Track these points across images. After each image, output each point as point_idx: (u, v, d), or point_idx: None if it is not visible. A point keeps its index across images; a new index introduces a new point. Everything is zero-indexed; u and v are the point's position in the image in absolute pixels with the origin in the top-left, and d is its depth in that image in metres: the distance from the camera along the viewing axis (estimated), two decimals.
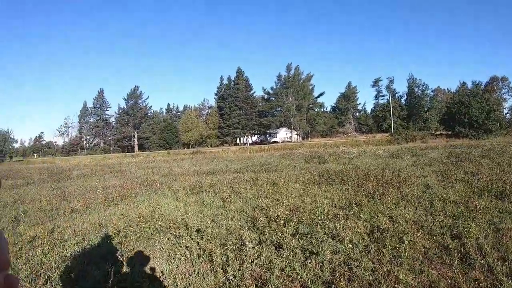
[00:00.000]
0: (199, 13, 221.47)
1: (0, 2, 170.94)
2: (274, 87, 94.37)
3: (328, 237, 5.67)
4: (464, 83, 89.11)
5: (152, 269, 5.28)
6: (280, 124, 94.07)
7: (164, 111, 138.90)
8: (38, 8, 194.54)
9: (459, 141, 40.97)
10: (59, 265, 5.35)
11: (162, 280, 4.86)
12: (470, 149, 23.01)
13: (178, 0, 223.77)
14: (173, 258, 5.52)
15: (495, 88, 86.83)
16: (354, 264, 4.80)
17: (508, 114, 78.31)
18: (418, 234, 5.78)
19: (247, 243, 5.46)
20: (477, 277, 4.42)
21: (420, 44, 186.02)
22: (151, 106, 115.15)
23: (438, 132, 67.33)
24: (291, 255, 5.07)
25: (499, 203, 7.83)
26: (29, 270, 5.12)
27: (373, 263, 4.88)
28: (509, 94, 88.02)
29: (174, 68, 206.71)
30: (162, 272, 5.09)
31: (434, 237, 5.75)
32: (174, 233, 6.46)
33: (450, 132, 56.11)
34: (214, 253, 5.29)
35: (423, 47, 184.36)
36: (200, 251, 5.56)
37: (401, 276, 4.39)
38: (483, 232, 5.86)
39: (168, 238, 6.41)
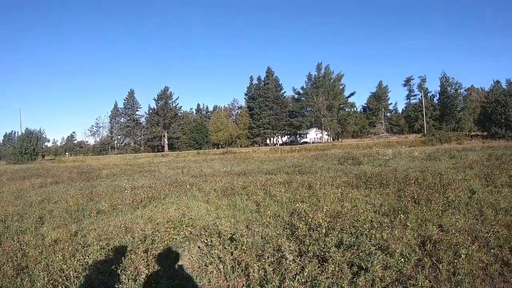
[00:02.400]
0: (229, 12, 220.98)
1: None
2: (305, 86, 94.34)
3: (376, 249, 5.13)
4: (498, 82, 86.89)
5: (181, 284, 4.89)
6: (310, 125, 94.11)
7: (194, 111, 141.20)
8: (69, 8, 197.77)
9: (496, 142, 39.69)
10: (79, 274, 5.04)
11: None
12: (510, 151, 22.13)
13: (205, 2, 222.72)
14: (204, 272, 5.12)
15: None
16: (409, 282, 4.31)
17: None
18: (474, 247, 5.25)
19: (287, 255, 5.04)
20: None
21: (452, 41, 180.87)
22: (181, 107, 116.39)
23: (473, 133, 65.52)
24: (337, 270, 4.59)
25: None
26: (46, 278, 4.81)
27: (430, 281, 4.42)
28: None
29: (204, 68, 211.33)
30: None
31: (492, 250, 5.23)
32: (206, 241, 6.03)
33: (485, 133, 54.40)
34: (251, 266, 4.85)
35: (455, 45, 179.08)
36: (235, 263, 5.15)
37: None
38: None
39: (198, 246, 6.04)
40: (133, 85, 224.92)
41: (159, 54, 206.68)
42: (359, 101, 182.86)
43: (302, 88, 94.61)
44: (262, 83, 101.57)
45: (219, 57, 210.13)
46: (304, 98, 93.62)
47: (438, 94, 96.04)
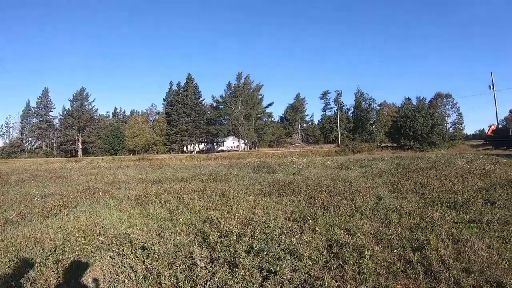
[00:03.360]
0: (150, 16, 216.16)
1: None
2: (224, 95, 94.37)
3: (285, 254, 5.33)
4: (409, 99, 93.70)
5: None
6: (227, 133, 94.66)
7: (111, 115, 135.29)
8: None
9: (405, 153, 42.64)
10: None
11: None
12: (416, 161, 24.01)
13: (130, 2, 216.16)
14: (116, 281, 5.01)
15: (440, 104, 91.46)
16: (316, 283, 4.57)
17: (451, 129, 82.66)
18: (378, 248, 5.75)
19: (198, 262, 5.03)
20: None
21: (369, 59, 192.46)
22: (97, 109, 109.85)
23: (383, 144, 70.22)
24: (247, 275, 4.71)
25: (454, 214, 8.11)
26: None
27: (336, 281, 4.71)
28: (453, 110, 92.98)
29: (123, 71, 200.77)
30: None
31: (395, 251, 5.73)
32: (117, 250, 5.83)
33: (395, 145, 58.52)
34: (162, 274, 4.82)
35: (371, 63, 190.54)
36: (147, 271, 5.07)
37: None
38: (443, 243, 5.92)
39: (110, 256, 5.85)
40: (48, 83, 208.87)
41: (76, 52, 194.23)
42: (277, 111, 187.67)
43: (221, 96, 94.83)
44: (182, 89, 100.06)
45: (139, 60, 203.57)
46: (222, 107, 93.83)
47: (352, 108, 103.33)
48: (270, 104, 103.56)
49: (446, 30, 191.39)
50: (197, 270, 4.85)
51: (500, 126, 62.34)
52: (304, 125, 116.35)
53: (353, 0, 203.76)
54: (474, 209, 8.34)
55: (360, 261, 5.06)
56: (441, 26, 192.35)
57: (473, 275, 4.70)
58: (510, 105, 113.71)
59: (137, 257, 5.40)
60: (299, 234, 6.45)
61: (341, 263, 5.18)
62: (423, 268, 5.00)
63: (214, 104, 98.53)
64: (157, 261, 5.24)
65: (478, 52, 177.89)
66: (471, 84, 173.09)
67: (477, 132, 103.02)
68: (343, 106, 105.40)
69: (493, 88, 58.22)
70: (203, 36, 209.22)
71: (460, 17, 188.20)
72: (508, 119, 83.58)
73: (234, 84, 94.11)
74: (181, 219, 8.08)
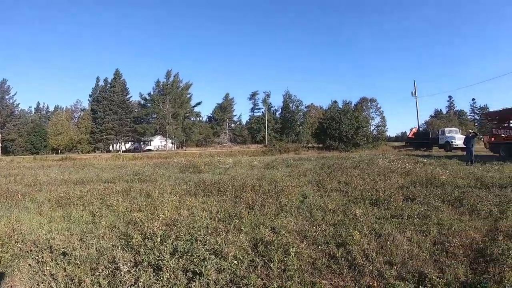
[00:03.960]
0: (79, 6, 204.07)
1: None
2: (152, 93, 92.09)
3: (210, 254, 5.34)
4: (335, 102, 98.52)
5: None
6: (155, 132, 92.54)
7: (33, 110, 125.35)
8: None
9: (330, 153, 44.14)
10: None
11: None
12: (341, 161, 24.95)
13: None
14: None
15: (364, 107, 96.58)
16: (242, 282, 4.58)
17: (375, 131, 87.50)
18: (303, 245, 5.84)
19: (121, 266, 4.88)
20: (370, 283, 4.61)
21: (298, 62, 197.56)
22: (18, 104, 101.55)
23: (310, 145, 72.57)
24: (172, 278, 4.63)
25: (376, 210, 8.56)
26: None
27: (262, 279, 4.74)
28: (376, 113, 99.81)
29: (47, 63, 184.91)
30: None
31: (320, 247, 5.91)
32: (37, 257, 5.51)
33: (321, 145, 60.70)
34: (84, 281, 4.61)
35: (300, 65, 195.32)
36: (68, 279, 4.80)
37: None
38: (366, 238, 6.20)
39: (29, 264, 5.47)
40: None
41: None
42: (205, 111, 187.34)
43: (149, 94, 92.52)
44: (109, 85, 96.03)
45: (65, 51, 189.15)
46: (150, 105, 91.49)
47: (280, 109, 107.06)
48: (198, 104, 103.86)
49: (377, 38, 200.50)
50: (121, 275, 4.71)
51: (421, 129, 66.61)
52: (232, 125, 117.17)
53: (284, 2, 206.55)
54: (395, 205, 8.83)
55: (285, 259, 5.15)
56: (373, 35, 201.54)
57: (395, 267, 4.99)
58: (431, 110, 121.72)
59: (57, 264, 5.19)
60: (225, 234, 6.40)
61: (266, 261, 5.22)
62: (347, 262, 5.20)
63: (142, 102, 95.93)
64: (78, 267, 5.04)
65: (402, 60, 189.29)
66: (397, 90, 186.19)
67: (400, 135, 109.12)
68: (271, 107, 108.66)
69: (415, 94, 63.57)
70: (133, 31, 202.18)
71: (390, 27, 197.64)
72: (428, 123, 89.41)
73: (163, 82, 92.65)
74: (104, 222, 7.76)
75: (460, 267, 4.96)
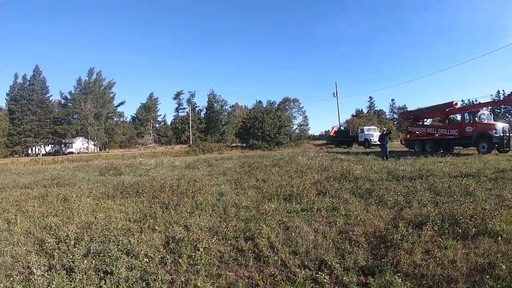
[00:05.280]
0: None
1: None
2: (73, 91, 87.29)
3: (122, 254, 5.47)
4: (260, 101, 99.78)
5: None
6: (76, 133, 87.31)
7: None
8: None
9: (253, 152, 44.70)
10: None
11: None
12: (262, 159, 25.46)
13: None
14: None
15: (287, 107, 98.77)
16: (151, 278, 4.72)
17: (297, 130, 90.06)
18: (213, 240, 6.11)
19: (35, 270, 4.90)
20: (272, 272, 4.91)
21: (223, 62, 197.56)
22: None
23: (234, 144, 72.98)
24: (85, 278, 4.72)
25: (288, 205, 8.98)
26: None
27: (171, 274, 4.91)
28: (299, 112, 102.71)
29: None
30: None
31: (229, 241, 6.19)
32: None
33: (244, 145, 61.03)
34: None
35: (226, 65, 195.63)
36: None
37: (199, 284, 4.53)
38: (274, 231, 6.56)
39: None
40: None
41: None
42: (129, 111, 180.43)
43: (70, 93, 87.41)
44: (28, 83, 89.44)
45: None
46: (71, 104, 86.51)
47: (205, 109, 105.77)
48: (121, 103, 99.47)
49: (302, 39, 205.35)
50: (34, 279, 4.73)
51: (342, 127, 69.43)
52: (157, 125, 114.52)
53: (208, 2, 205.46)
54: (307, 200, 9.34)
55: (194, 254, 5.35)
56: (302, 37, 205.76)
57: (299, 256, 5.38)
58: (353, 110, 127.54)
59: None
60: (138, 234, 6.51)
61: (176, 257, 5.38)
62: (253, 254, 5.51)
63: (62, 102, 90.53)
64: None
65: (327, 61, 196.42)
66: (322, 90, 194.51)
67: (323, 133, 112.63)
68: (196, 107, 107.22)
69: (336, 95, 66.38)
70: (55, 24, 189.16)
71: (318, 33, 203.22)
72: (349, 122, 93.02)
73: (85, 80, 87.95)
74: (19, 229, 7.55)
75: (360, 253, 5.43)
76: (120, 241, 6.01)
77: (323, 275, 4.64)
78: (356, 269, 4.96)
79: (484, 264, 4.91)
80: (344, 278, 4.64)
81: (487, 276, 4.45)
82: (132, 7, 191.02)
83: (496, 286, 4.22)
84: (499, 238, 5.80)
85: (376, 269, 4.89)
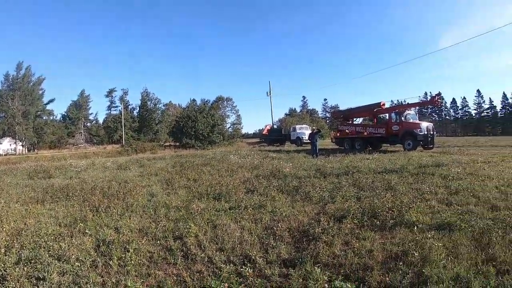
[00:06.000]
0: None
1: None
2: (0, 87, 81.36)
3: (54, 259, 5.47)
4: (194, 100, 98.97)
5: None
6: (3, 133, 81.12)
7: None
8: None
9: (186, 151, 44.36)
10: None
11: None
12: (194, 158, 25.36)
13: None
14: None
15: (221, 106, 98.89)
16: (82, 281, 4.79)
17: (230, 128, 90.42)
18: (143, 241, 6.27)
19: None
20: (200, 269, 5.19)
21: (158, 59, 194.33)
22: None
23: (167, 143, 72.31)
24: (17, 286, 4.71)
25: (217, 203, 9.27)
26: None
27: (102, 276, 5.00)
28: (232, 111, 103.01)
29: None
30: None
31: (158, 241, 6.36)
32: None
33: (178, 143, 60.58)
34: None
35: (161, 63, 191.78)
36: None
37: (129, 283, 4.68)
38: (202, 230, 6.84)
39: None
40: None
41: None
42: (59, 109, 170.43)
43: None
44: None
45: None
46: None
47: (138, 107, 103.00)
48: (51, 101, 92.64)
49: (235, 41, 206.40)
50: None
51: (275, 126, 70.51)
52: (88, 124, 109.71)
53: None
54: (236, 198, 9.64)
55: (124, 256, 5.49)
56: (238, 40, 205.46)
57: (225, 252, 5.69)
58: (287, 109, 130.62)
59: None
60: (69, 238, 6.48)
61: (107, 260, 5.47)
62: (182, 253, 5.73)
63: None
64: None
65: (260, 61, 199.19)
66: (258, 89, 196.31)
67: (257, 131, 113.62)
68: (129, 105, 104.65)
69: (270, 94, 67.65)
70: None
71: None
72: (282, 120, 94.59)
73: (13, 76, 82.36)
74: None
75: (283, 247, 5.81)
76: (51, 247, 5.96)
77: (247, 269, 4.97)
78: (279, 262, 5.31)
79: (399, 252, 5.34)
80: (266, 270, 4.97)
81: (401, 263, 4.86)
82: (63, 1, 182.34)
83: (408, 271, 4.62)
84: (415, 228, 6.29)
85: (297, 261, 5.25)
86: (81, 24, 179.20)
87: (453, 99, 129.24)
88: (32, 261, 5.40)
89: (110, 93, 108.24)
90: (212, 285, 4.55)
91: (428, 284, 4.30)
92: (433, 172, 12.24)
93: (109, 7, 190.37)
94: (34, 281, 4.86)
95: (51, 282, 4.77)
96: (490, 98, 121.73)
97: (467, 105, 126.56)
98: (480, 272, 4.56)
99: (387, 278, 4.56)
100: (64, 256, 5.56)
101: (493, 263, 4.82)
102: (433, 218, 6.92)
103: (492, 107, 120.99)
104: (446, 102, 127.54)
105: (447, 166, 13.44)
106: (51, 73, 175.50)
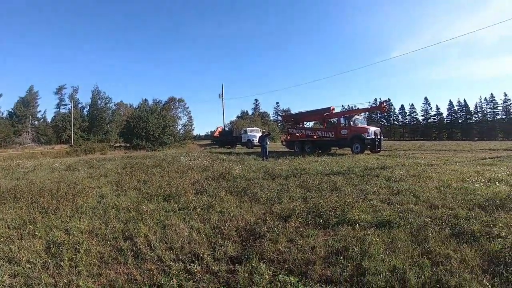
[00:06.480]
0: None
1: None
2: None
3: (4, 262, 5.50)
4: (146, 100, 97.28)
5: None
6: None
7: None
8: None
9: (137, 152, 43.83)
10: None
11: None
12: (144, 160, 25.17)
13: None
14: None
15: (172, 107, 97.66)
16: (34, 283, 4.84)
17: (181, 130, 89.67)
18: (94, 242, 6.35)
19: None
20: (150, 267, 5.33)
21: (111, 56, 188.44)
22: None
23: (117, 144, 71.01)
24: None
25: (166, 204, 9.45)
26: None
27: (54, 277, 5.05)
28: (184, 113, 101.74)
29: None
30: None
31: (109, 242, 6.47)
32: None
33: (128, 145, 59.57)
34: None
35: (112, 60, 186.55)
36: None
37: (81, 283, 4.78)
38: (152, 230, 7.01)
39: None
40: None
41: None
42: (5, 105, 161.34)
43: None
44: None
45: None
46: None
47: (88, 106, 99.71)
48: None
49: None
50: None
51: (226, 128, 70.62)
52: (36, 122, 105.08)
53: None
54: (186, 199, 9.84)
55: (75, 256, 5.57)
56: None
57: (174, 251, 5.89)
58: (239, 111, 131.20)
59: None
60: (19, 241, 6.47)
61: (58, 261, 5.51)
62: (132, 253, 5.88)
63: None
64: None
65: (213, 64, 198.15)
66: (210, 91, 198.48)
67: (209, 133, 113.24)
68: (79, 103, 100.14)
69: (222, 96, 68.66)
70: None
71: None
72: (234, 123, 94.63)
73: None
74: None
75: (230, 245, 6.07)
76: (1, 249, 5.97)
77: (195, 266, 5.19)
78: (226, 259, 5.56)
79: (340, 247, 5.65)
80: (214, 267, 5.22)
81: (342, 258, 5.20)
82: None
83: (348, 264, 4.98)
84: (356, 225, 6.67)
85: (243, 258, 5.52)
86: (30, 17, 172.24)
87: (402, 105, 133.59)
88: None
89: (59, 90, 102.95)
90: (162, 282, 4.73)
91: (366, 275, 4.64)
92: (378, 174, 12.91)
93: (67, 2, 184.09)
94: None
95: (2, 284, 4.80)
96: (437, 105, 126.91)
97: (415, 111, 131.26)
98: (416, 264, 4.94)
99: (328, 271, 4.89)
100: (14, 258, 5.58)
101: (429, 256, 5.21)
102: (374, 217, 7.34)
103: (439, 113, 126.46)
104: (395, 108, 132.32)
105: (391, 168, 14.16)
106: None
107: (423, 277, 4.53)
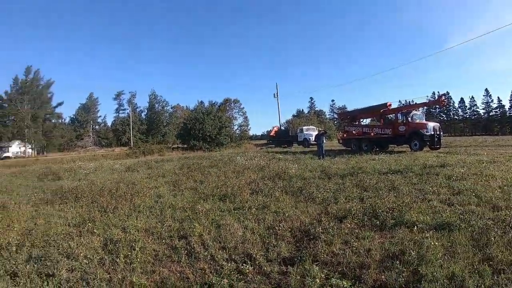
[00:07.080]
0: None
1: None
2: (9, 91, 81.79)
3: (63, 257, 5.69)
4: (202, 102, 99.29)
5: None
6: (12, 136, 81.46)
7: None
8: None
9: (194, 153, 44.48)
10: None
11: None
12: (201, 160, 25.62)
13: None
14: None
15: (228, 108, 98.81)
16: (90, 277, 4.99)
17: (238, 130, 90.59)
18: (149, 240, 6.48)
19: None
20: (202, 266, 5.33)
21: (166, 62, 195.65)
22: None
23: (175, 146, 72.39)
24: (28, 281, 4.94)
25: (222, 204, 9.47)
26: None
27: (109, 273, 5.18)
28: (239, 113, 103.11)
29: None
30: None
31: (164, 240, 6.57)
32: None
33: (186, 146, 60.69)
34: None
35: (168, 66, 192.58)
36: None
37: (134, 279, 4.86)
38: (206, 229, 7.01)
39: None
40: None
41: None
42: (67, 112, 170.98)
43: (6, 93, 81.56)
44: None
45: None
46: (6, 105, 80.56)
47: (146, 110, 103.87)
48: (60, 104, 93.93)
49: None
50: None
51: (282, 127, 70.27)
52: (97, 127, 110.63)
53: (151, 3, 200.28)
54: (241, 199, 9.82)
55: (130, 253, 5.69)
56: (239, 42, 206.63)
57: (227, 251, 5.86)
58: (295, 110, 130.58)
59: None
60: (78, 238, 6.72)
61: (114, 257, 5.66)
62: (186, 251, 5.92)
63: None
64: None
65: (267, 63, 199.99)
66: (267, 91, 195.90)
67: (265, 133, 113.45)
68: (137, 107, 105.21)
69: (277, 95, 67.41)
70: None
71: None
72: (290, 122, 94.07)
73: (22, 80, 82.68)
74: None
75: (284, 246, 5.94)
76: (60, 245, 6.21)
77: (247, 266, 5.12)
78: (279, 260, 5.45)
79: (396, 251, 5.38)
80: (266, 268, 5.12)
81: (397, 262, 4.93)
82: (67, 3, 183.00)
83: (403, 269, 4.71)
84: (414, 227, 6.33)
85: (296, 259, 5.38)
86: (88, 27, 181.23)
87: (461, 98, 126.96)
88: (42, 259, 5.63)
89: (118, 96, 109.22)
90: (213, 281, 4.71)
91: (423, 282, 4.36)
92: (437, 172, 12.20)
93: (118, 7, 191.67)
94: (44, 277, 5.08)
95: (60, 278, 4.98)
96: (498, 97, 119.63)
97: (475, 105, 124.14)
98: (476, 271, 4.59)
99: (383, 276, 4.65)
100: (72, 254, 5.79)
101: (490, 262, 4.84)
102: (434, 218, 6.92)
103: (501, 106, 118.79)
104: (454, 102, 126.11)
105: (452, 166, 13.47)
106: (60, 75, 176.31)
107: (483, 286, 4.22)
